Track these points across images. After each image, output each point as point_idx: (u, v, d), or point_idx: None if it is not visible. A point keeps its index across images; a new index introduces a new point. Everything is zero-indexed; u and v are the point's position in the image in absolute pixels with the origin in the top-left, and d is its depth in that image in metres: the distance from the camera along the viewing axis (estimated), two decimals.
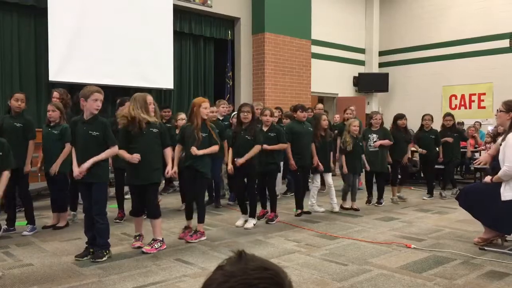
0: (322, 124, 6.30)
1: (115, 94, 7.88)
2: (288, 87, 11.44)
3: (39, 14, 8.35)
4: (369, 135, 6.92)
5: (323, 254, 4.33)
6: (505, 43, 12.10)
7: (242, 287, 0.81)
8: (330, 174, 6.62)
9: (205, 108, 4.78)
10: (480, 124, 11.27)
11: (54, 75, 8.26)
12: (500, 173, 4.31)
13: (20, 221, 5.25)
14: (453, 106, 13.37)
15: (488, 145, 9.46)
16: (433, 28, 13.57)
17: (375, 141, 6.86)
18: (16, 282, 3.53)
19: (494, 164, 7.62)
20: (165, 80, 9.81)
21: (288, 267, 3.76)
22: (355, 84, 14.33)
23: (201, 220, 4.89)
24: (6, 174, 4.00)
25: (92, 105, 4.02)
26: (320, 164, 6.26)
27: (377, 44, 14.77)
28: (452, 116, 8.02)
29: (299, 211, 6.16)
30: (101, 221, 4.14)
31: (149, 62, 9.42)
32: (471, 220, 4.93)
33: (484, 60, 12.50)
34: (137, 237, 4.59)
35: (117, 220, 5.71)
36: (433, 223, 5.79)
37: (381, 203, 7.00)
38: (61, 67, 8.32)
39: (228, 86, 10.84)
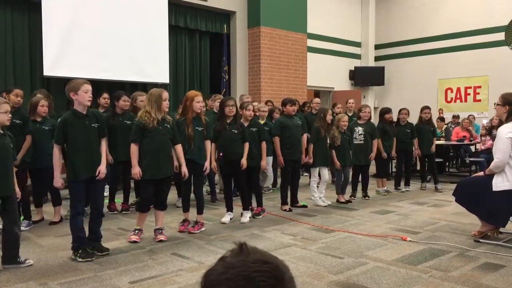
0: (328, 118, 6.36)
1: (111, 89, 7.85)
2: (284, 81, 11.42)
3: (33, 8, 8.29)
4: (355, 128, 6.94)
5: (319, 248, 4.34)
6: (501, 36, 12.11)
7: (240, 279, 0.81)
8: (327, 168, 6.63)
9: (198, 102, 4.78)
10: (474, 117, 11.30)
11: (49, 69, 8.21)
12: (491, 165, 4.37)
13: None
14: (448, 99, 13.40)
15: (483, 138, 9.50)
16: (429, 21, 13.57)
17: (360, 134, 6.92)
18: (12, 278, 3.53)
19: (489, 157, 7.71)
20: (161, 74, 9.76)
21: (284, 261, 3.75)
22: (351, 77, 14.32)
23: (201, 211, 4.99)
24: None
25: (84, 97, 3.92)
26: (311, 157, 6.31)
27: (373, 38, 14.75)
28: (430, 109, 7.95)
29: (287, 207, 6.13)
30: (101, 213, 4.22)
31: (144, 56, 9.38)
32: (466, 212, 4.95)
33: (480, 53, 12.51)
34: (137, 232, 4.59)
35: (115, 212, 5.85)
36: (429, 216, 5.82)
37: (368, 197, 7.03)
38: (56, 62, 8.27)
39: (224, 80, 10.82)
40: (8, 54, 8.14)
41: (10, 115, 3.80)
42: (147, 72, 9.46)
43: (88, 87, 3.97)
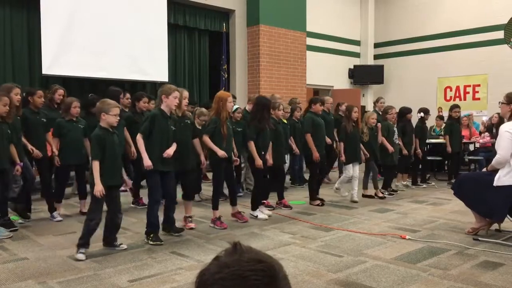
0: (353, 116, 6.56)
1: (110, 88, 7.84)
2: (283, 80, 11.41)
3: (32, 6, 8.26)
4: (393, 129, 7.29)
5: (319, 246, 4.35)
6: (500, 34, 12.09)
7: (234, 278, 0.81)
8: (358, 165, 6.74)
9: (230, 102, 5.15)
10: (472, 115, 11.28)
11: (47, 68, 8.19)
12: (493, 161, 4.48)
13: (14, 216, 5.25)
14: (448, 97, 13.38)
15: (482, 135, 9.54)
16: (428, 19, 13.55)
17: (395, 137, 7.28)
18: (11, 276, 3.53)
19: (488, 156, 7.80)
20: (160, 72, 9.74)
21: (283, 259, 3.77)
22: (350, 76, 14.30)
23: (235, 202, 5.44)
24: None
25: (173, 101, 4.51)
26: (343, 155, 6.53)
27: (372, 36, 14.73)
28: (460, 107, 8.45)
29: (318, 201, 6.37)
30: (175, 201, 4.86)
31: (143, 54, 9.36)
32: (465, 211, 4.96)
33: (479, 51, 12.49)
34: (190, 220, 5.10)
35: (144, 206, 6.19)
36: (428, 214, 5.82)
37: (392, 194, 7.25)
38: (55, 60, 8.25)
39: (223, 78, 10.80)
40: (7, 52, 8.12)
41: (118, 118, 4.15)
42: (146, 70, 9.44)
43: (177, 94, 4.56)
